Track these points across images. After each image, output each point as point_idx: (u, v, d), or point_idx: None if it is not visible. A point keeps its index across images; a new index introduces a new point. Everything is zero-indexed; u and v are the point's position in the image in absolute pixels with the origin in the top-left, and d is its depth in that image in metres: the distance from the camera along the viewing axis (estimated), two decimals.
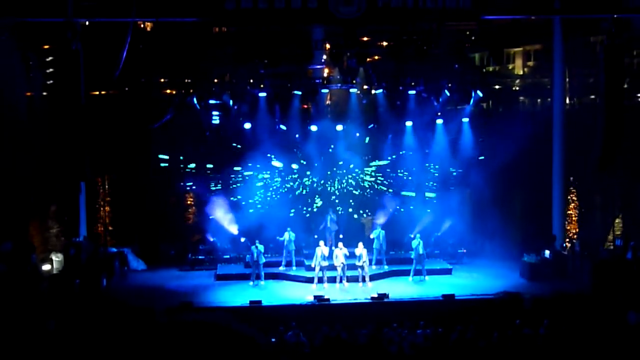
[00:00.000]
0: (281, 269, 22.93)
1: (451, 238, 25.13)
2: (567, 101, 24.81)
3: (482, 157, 24.88)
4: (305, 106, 25.29)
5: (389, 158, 25.51)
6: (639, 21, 22.80)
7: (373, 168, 25.64)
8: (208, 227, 24.72)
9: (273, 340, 15.32)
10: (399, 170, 25.63)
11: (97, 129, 21.19)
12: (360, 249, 21.30)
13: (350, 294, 20.42)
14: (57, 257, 22.27)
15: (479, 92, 24.66)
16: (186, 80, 25.29)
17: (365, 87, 25.15)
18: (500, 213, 24.42)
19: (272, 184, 25.20)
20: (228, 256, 24.29)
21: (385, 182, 25.67)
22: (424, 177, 25.67)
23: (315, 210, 25.25)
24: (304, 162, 25.13)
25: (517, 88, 28.94)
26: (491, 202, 24.88)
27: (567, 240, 24.46)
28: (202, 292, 20.97)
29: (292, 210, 24.85)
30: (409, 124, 25.14)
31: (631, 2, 21.64)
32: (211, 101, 24.32)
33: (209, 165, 25.38)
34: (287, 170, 25.19)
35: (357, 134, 25.28)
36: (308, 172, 25.27)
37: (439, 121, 25.25)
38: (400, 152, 25.42)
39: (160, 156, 25.12)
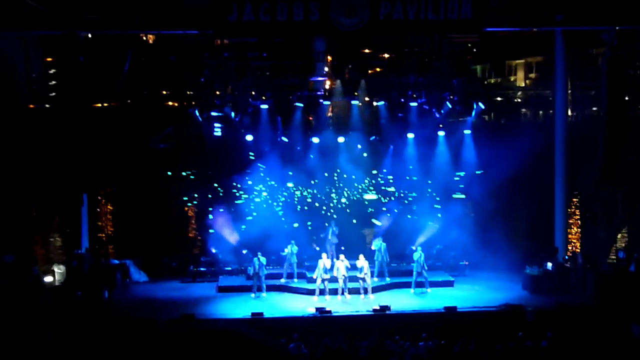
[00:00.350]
0: (282, 281, 22.89)
1: (453, 250, 25.07)
2: (569, 113, 24.77)
3: (482, 172, 24.80)
4: (310, 118, 25.36)
5: (389, 170, 25.47)
6: None
7: (374, 180, 25.63)
8: (210, 239, 24.72)
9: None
10: (400, 182, 25.58)
11: (99, 141, 21.23)
12: (362, 261, 21.24)
13: (351, 306, 20.39)
14: (59, 269, 22.30)
15: (480, 104, 24.63)
16: (188, 92, 25.37)
17: (366, 99, 25.19)
18: (503, 225, 24.28)
19: (274, 196, 25.20)
20: (230, 268, 24.27)
21: (386, 193, 25.65)
22: (426, 188, 25.63)
23: (316, 222, 25.18)
24: (306, 174, 25.11)
25: (519, 100, 28.90)
26: (493, 213, 24.80)
27: (570, 252, 24.36)
28: (203, 304, 20.97)
29: (296, 225, 24.83)
30: (410, 135, 25.18)
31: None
32: (213, 113, 24.38)
33: (211, 177, 25.37)
34: (290, 182, 25.18)
35: (359, 146, 25.29)
36: (311, 183, 25.27)
37: (441, 133, 25.26)
38: (402, 164, 25.38)
39: (162, 168, 25.15)
